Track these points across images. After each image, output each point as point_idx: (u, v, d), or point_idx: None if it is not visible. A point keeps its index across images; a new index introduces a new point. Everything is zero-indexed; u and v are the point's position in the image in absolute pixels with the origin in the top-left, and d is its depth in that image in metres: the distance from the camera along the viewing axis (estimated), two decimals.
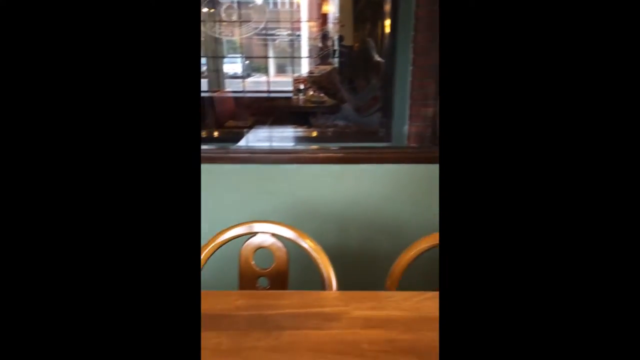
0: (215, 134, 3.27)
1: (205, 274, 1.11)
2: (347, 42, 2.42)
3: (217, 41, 3.48)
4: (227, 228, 1.13)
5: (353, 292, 0.96)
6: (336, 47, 2.50)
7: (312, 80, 2.79)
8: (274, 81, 4.12)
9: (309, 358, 0.77)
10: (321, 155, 1.56)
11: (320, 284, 1.08)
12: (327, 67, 2.88)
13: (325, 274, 1.09)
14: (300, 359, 0.76)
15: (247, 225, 1.14)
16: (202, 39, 3.63)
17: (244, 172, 1.60)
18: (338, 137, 2.63)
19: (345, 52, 2.44)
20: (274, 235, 1.15)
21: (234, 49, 4.48)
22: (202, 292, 0.98)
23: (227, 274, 1.20)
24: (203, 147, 1.74)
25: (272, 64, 5.48)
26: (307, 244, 1.12)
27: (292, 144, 2.33)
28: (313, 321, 0.87)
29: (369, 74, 2.38)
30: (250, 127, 2.72)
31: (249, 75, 5.00)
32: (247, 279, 1.15)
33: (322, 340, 0.81)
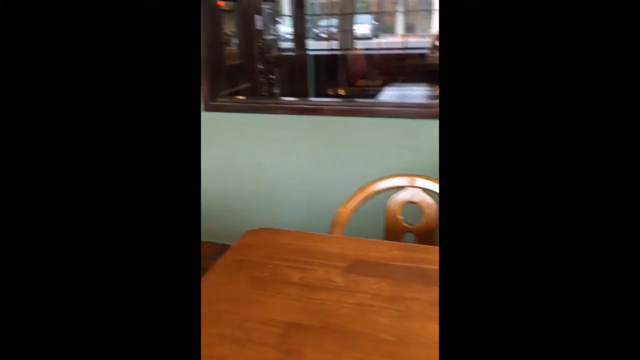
0: (341, 92, 3.25)
1: (351, 222, 1.11)
2: None
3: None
4: (384, 177, 1.10)
5: None
6: None
7: None
8: (403, 42, 3.95)
9: None
10: None
11: None
12: None
13: None
14: None
15: (409, 177, 1.10)
16: None
17: (385, 126, 1.55)
18: None
19: None
20: (425, 190, 1.09)
21: (364, 9, 4.39)
22: (356, 238, 0.97)
23: (370, 226, 1.18)
24: (338, 100, 1.72)
25: (400, 25, 5.27)
26: None
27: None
28: None
29: None
30: (382, 86, 2.64)
31: (376, 37, 4.88)
32: (393, 233, 1.12)
33: None
